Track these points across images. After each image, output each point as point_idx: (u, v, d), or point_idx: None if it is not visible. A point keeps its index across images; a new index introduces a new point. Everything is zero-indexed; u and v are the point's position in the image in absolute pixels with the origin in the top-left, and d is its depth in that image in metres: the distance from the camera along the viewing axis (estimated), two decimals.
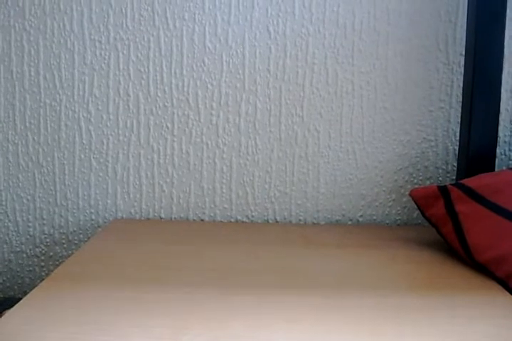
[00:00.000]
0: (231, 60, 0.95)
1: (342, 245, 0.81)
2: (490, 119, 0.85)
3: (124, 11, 0.95)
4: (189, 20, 0.94)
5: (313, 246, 0.80)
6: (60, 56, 0.96)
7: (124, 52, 0.96)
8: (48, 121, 0.98)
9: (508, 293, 0.62)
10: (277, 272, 0.69)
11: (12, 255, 1.02)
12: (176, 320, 0.54)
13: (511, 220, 0.70)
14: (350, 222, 0.98)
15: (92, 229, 1.00)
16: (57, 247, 1.01)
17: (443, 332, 0.52)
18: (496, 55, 0.84)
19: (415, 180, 0.97)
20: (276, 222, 0.99)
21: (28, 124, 0.98)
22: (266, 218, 0.99)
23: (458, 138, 0.95)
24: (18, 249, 1.02)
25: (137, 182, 0.99)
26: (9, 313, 0.55)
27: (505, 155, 0.95)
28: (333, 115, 0.96)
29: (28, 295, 0.59)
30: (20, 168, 0.99)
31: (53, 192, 1.00)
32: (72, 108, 0.97)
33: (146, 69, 0.96)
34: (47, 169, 0.99)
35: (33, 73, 0.97)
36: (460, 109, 0.94)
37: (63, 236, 1.01)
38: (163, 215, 0.99)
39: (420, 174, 0.97)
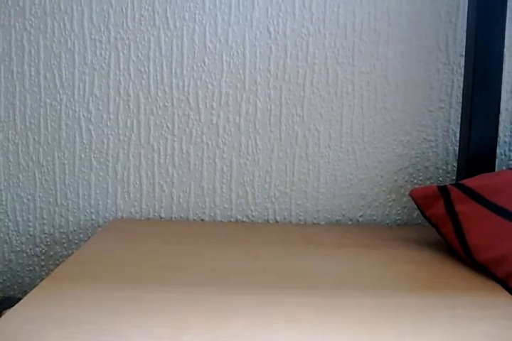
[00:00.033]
0: (231, 60, 0.95)
1: (342, 245, 0.81)
2: (490, 120, 0.85)
3: (124, 10, 0.95)
4: (189, 20, 0.95)
5: (314, 246, 0.80)
6: (61, 56, 0.96)
7: (125, 51, 0.96)
8: (49, 121, 0.98)
9: (508, 294, 0.62)
10: (277, 272, 0.69)
11: (12, 254, 1.02)
12: (176, 319, 0.54)
13: (511, 220, 0.70)
14: (350, 222, 0.98)
15: (92, 229, 1.00)
16: (57, 247, 1.01)
17: (443, 332, 0.52)
18: (496, 56, 0.84)
19: (415, 180, 0.97)
20: (277, 221, 0.99)
21: (28, 124, 0.98)
22: (266, 218, 0.99)
23: (458, 138, 0.95)
24: (18, 249, 1.02)
25: (137, 182, 0.99)
26: (9, 313, 0.55)
27: (505, 155, 0.95)
28: (334, 115, 0.96)
29: (29, 295, 0.59)
30: (21, 167, 0.99)
31: (53, 192, 1.00)
32: (73, 107, 0.97)
33: (147, 69, 0.96)
34: (47, 168, 0.99)
35: (33, 73, 0.97)
36: (460, 110, 0.94)
37: (63, 236, 1.01)
38: (163, 215, 0.99)
39: (420, 174, 0.97)
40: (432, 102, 0.95)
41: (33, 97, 0.97)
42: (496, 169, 0.93)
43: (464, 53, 0.93)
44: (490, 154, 0.85)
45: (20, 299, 0.61)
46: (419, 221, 0.98)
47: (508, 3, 0.90)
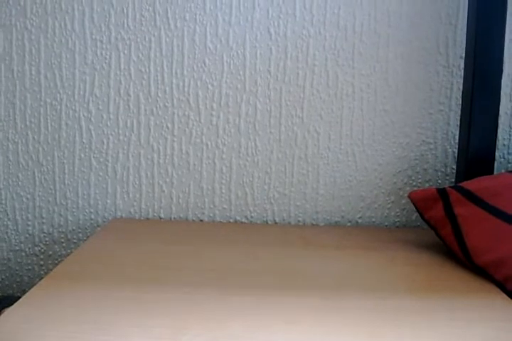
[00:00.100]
0: (232, 61, 0.95)
1: (341, 246, 0.81)
2: (489, 122, 0.85)
3: (125, 10, 0.95)
4: (190, 20, 0.95)
5: (312, 248, 0.80)
6: (61, 55, 0.96)
7: (125, 52, 0.96)
8: (49, 120, 0.98)
9: (506, 296, 0.62)
10: (276, 273, 0.69)
11: (11, 253, 1.02)
12: (175, 320, 0.54)
13: (510, 223, 0.70)
14: (349, 224, 0.98)
15: (92, 229, 1.00)
16: (56, 246, 1.01)
17: (442, 334, 0.52)
18: (496, 58, 0.84)
19: (414, 183, 0.97)
20: (276, 222, 0.99)
21: (28, 123, 0.98)
22: (265, 219, 0.99)
23: (457, 140, 0.95)
24: (17, 248, 1.02)
25: (137, 182, 0.99)
26: (8, 312, 0.55)
27: (504, 158, 0.95)
28: (333, 117, 0.96)
29: (27, 294, 0.60)
30: (20, 166, 0.99)
31: (53, 191, 1.00)
32: (73, 107, 0.97)
33: (147, 70, 0.96)
34: (47, 168, 0.99)
35: (33, 72, 0.97)
36: (459, 112, 0.94)
37: (62, 235, 1.01)
38: (162, 215, 1.00)
39: (419, 176, 0.97)
40: (432, 105, 0.95)
41: (34, 97, 0.97)
42: (495, 172, 0.93)
43: (463, 55, 0.93)
44: (489, 157, 0.86)
45: (19, 298, 0.61)
46: (418, 223, 0.98)
47: (508, 6, 0.90)
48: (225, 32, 0.95)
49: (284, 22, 0.94)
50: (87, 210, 1.00)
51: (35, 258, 1.02)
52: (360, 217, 0.98)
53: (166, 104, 0.96)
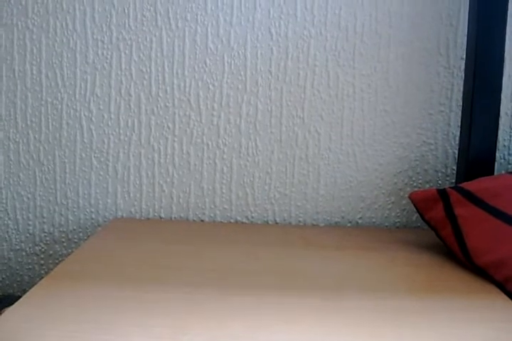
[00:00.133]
0: (233, 61, 0.95)
1: (341, 247, 0.81)
2: (490, 123, 0.85)
3: (126, 11, 0.95)
4: (191, 21, 0.95)
5: (313, 248, 0.81)
6: (63, 55, 0.96)
7: (126, 52, 0.96)
8: (50, 120, 0.98)
9: (506, 297, 0.62)
10: (277, 273, 0.69)
11: (12, 253, 1.02)
12: (175, 319, 0.54)
13: (510, 224, 0.70)
14: (349, 224, 0.99)
15: (92, 228, 1.00)
16: (56, 246, 1.01)
17: (442, 335, 0.52)
18: (497, 60, 0.84)
19: (415, 183, 0.97)
20: (276, 223, 0.99)
21: (29, 122, 0.98)
22: (266, 219, 0.99)
23: (457, 141, 0.95)
24: (17, 247, 1.02)
25: (137, 182, 0.99)
26: (8, 311, 0.55)
27: (505, 159, 0.95)
28: (334, 117, 0.96)
29: (28, 294, 0.60)
30: (21, 166, 0.99)
31: (54, 191, 1.00)
32: (74, 107, 0.97)
33: (148, 70, 0.96)
34: (47, 167, 0.99)
35: (35, 72, 0.97)
36: (460, 113, 0.95)
37: (63, 235, 1.01)
38: (163, 215, 1.00)
39: (420, 177, 0.97)
40: (433, 105, 0.95)
41: (35, 96, 0.98)
42: (495, 173, 0.93)
43: (464, 57, 0.93)
44: (489, 158, 0.86)
45: (19, 297, 0.61)
46: (419, 224, 0.98)
47: (509, 7, 0.90)
48: (226, 32, 0.95)
49: (285, 22, 0.94)
50: (87, 210, 1.00)
51: (35, 258, 1.02)
52: (360, 218, 0.98)
53: (167, 104, 0.97)
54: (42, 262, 1.02)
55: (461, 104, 0.95)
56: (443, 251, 0.80)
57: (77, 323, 0.52)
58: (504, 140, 0.95)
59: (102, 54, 0.96)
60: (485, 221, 0.72)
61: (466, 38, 0.93)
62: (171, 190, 0.99)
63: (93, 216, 1.00)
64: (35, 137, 0.98)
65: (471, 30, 0.86)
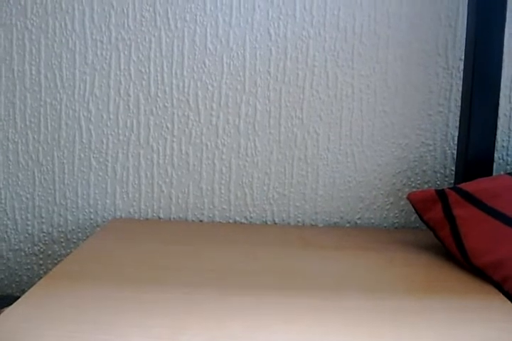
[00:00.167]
0: (232, 62, 0.95)
1: (340, 247, 0.82)
2: (488, 124, 0.85)
3: (125, 11, 0.95)
4: (190, 21, 0.95)
5: (312, 248, 0.81)
6: (62, 55, 0.96)
7: (125, 52, 0.96)
8: (48, 120, 0.98)
9: (504, 297, 0.63)
10: (276, 273, 0.69)
11: (10, 253, 1.02)
12: (174, 319, 0.54)
13: (508, 225, 0.70)
14: (348, 225, 0.99)
15: (91, 228, 1.00)
16: (55, 246, 1.01)
17: (440, 335, 0.52)
18: (495, 61, 0.84)
19: (413, 184, 0.97)
20: (275, 223, 0.99)
21: (28, 123, 0.98)
22: (264, 219, 0.99)
23: (456, 142, 0.95)
24: (16, 247, 1.02)
25: (136, 182, 0.99)
26: (7, 311, 0.55)
27: (503, 159, 0.96)
28: (333, 118, 0.96)
29: (26, 294, 0.60)
30: (20, 166, 0.99)
31: (52, 191, 1.00)
32: (73, 107, 0.98)
33: (147, 70, 0.96)
34: (46, 168, 0.99)
35: (34, 72, 0.97)
36: (459, 114, 0.95)
37: (62, 235, 1.01)
38: (161, 215, 1.00)
39: (418, 178, 0.97)
40: (431, 106, 0.95)
41: (34, 96, 0.98)
42: (494, 173, 0.93)
43: (463, 57, 0.94)
44: (488, 158, 0.86)
45: (18, 297, 0.61)
46: (417, 224, 0.98)
47: (508, 8, 0.90)
48: (225, 33, 0.95)
49: (284, 23, 0.94)
50: (86, 210, 1.00)
51: (34, 258, 1.02)
52: (359, 218, 0.98)
53: (166, 104, 0.97)
54: (41, 262, 1.02)
55: (459, 104, 0.95)
56: (441, 251, 0.80)
57: (76, 323, 0.52)
58: (503, 140, 0.95)
59: (101, 54, 0.96)
60: (483, 222, 0.72)
61: (464, 38, 0.93)
62: (169, 190, 0.99)
63: (92, 216, 1.00)
64: (34, 137, 0.98)
65: (469, 30, 0.87)
